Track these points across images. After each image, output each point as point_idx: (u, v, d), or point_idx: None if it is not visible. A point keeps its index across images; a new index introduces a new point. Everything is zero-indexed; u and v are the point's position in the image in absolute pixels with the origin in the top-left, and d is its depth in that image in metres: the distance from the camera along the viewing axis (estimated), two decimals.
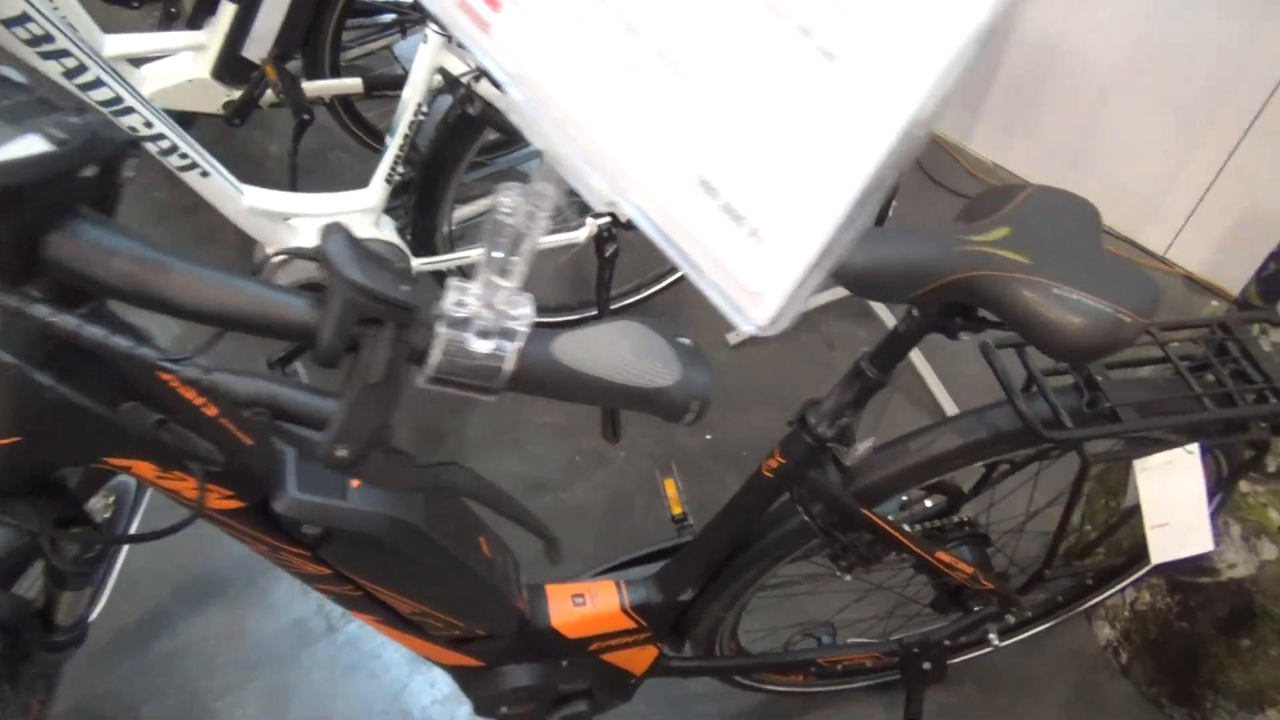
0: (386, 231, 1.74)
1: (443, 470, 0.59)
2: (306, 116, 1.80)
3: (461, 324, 0.48)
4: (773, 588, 1.45)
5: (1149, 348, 1.10)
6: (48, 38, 1.24)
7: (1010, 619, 1.64)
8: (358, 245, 0.48)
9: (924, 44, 0.30)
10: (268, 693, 1.52)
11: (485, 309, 0.48)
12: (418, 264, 1.78)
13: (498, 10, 0.43)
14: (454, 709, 1.52)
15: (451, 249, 1.84)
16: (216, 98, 1.92)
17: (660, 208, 0.38)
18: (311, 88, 1.95)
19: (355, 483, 0.88)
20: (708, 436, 1.99)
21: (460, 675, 1.20)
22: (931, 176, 2.74)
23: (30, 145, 0.46)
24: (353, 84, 2.01)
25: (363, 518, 0.86)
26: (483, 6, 0.43)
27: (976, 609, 1.32)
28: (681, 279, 2.19)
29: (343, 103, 2.18)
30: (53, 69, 1.27)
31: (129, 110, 1.34)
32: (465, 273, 1.95)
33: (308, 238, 1.66)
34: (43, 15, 1.23)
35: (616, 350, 0.52)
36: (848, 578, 1.16)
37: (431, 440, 1.88)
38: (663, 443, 1.97)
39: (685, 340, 0.57)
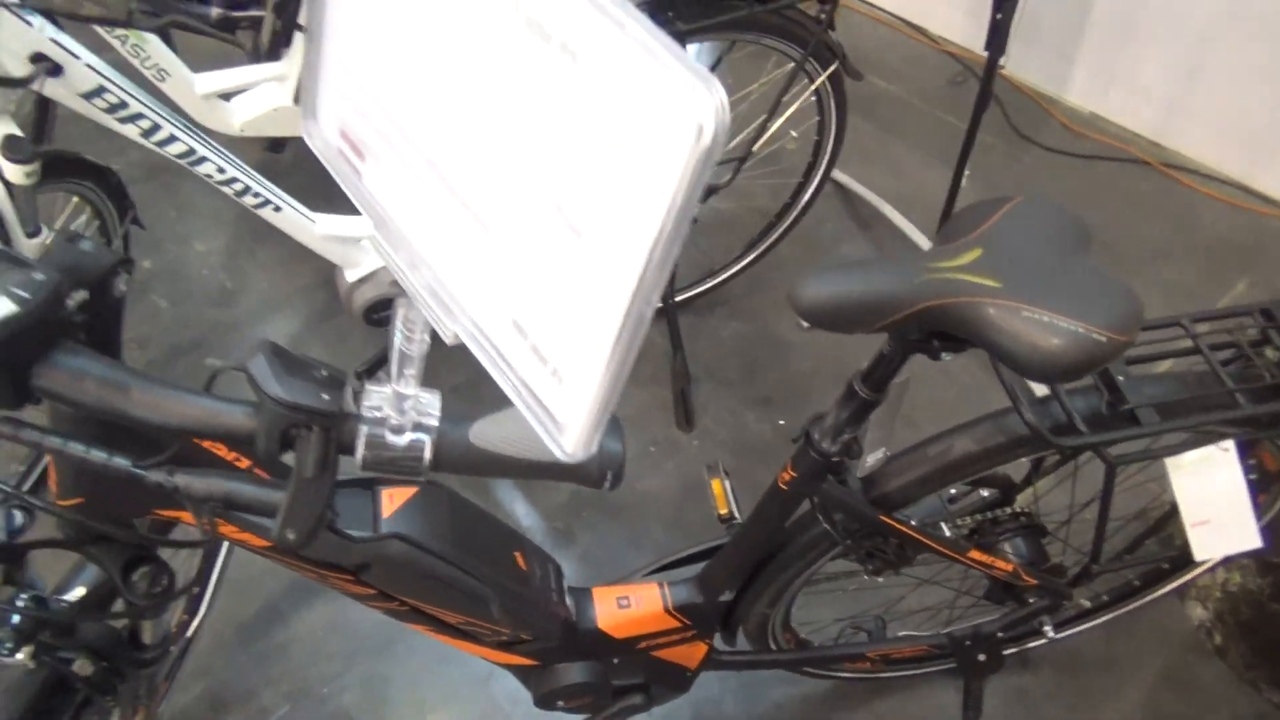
0: None
1: (386, 544, 0.66)
2: None
3: (379, 422, 0.55)
4: (827, 580, 1.47)
5: (1181, 340, 1.06)
6: (123, 104, 1.37)
7: (1086, 603, 1.60)
8: (284, 357, 0.55)
9: (637, 226, 0.33)
10: (368, 679, 1.66)
11: (395, 411, 0.54)
12: None
13: (364, 160, 0.48)
14: None
15: None
16: None
17: (489, 343, 0.43)
18: None
19: (386, 514, 0.97)
20: (780, 422, 2.01)
21: (519, 672, 1.29)
22: (1019, 131, 2.62)
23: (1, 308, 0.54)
24: None
25: (395, 549, 0.94)
26: (353, 155, 0.49)
27: (1031, 601, 1.31)
28: (752, 263, 2.20)
29: None
30: (131, 131, 1.40)
31: (203, 160, 1.47)
32: None
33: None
34: (116, 85, 1.36)
35: (530, 430, 0.57)
36: (880, 580, 1.17)
37: None
38: (735, 430, 2.00)
39: None
